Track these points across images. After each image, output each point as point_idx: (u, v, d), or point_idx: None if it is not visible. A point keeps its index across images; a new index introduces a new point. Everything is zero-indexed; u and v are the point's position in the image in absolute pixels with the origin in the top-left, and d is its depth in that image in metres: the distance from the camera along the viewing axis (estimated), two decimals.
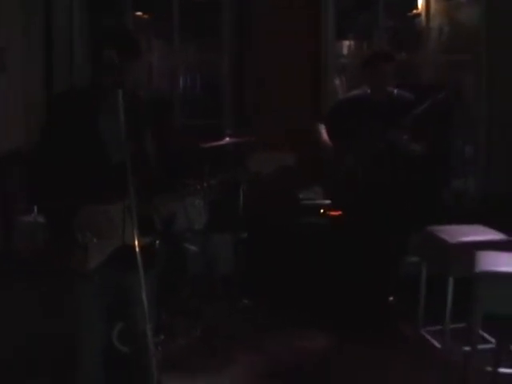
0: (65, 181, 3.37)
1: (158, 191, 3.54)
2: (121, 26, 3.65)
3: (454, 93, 5.68)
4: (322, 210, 6.10)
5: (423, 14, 7.28)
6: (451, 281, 4.65)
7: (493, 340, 4.87)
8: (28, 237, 5.26)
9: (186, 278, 5.75)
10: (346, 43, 8.09)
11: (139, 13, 7.65)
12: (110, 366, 3.60)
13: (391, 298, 5.82)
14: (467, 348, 4.68)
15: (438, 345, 4.83)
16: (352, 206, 5.77)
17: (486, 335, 4.91)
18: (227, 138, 5.87)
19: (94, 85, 3.51)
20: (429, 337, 5.00)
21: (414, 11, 7.60)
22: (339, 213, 5.91)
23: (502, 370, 4.53)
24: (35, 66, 6.51)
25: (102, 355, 3.54)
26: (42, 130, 3.53)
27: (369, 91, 5.75)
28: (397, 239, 5.61)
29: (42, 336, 4.43)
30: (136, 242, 3.03)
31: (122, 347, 3.67)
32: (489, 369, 4.52)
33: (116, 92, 3.16)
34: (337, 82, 7.47)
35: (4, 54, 5.78)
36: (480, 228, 5.05)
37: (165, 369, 4.46)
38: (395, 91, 5.69)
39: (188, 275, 5.76)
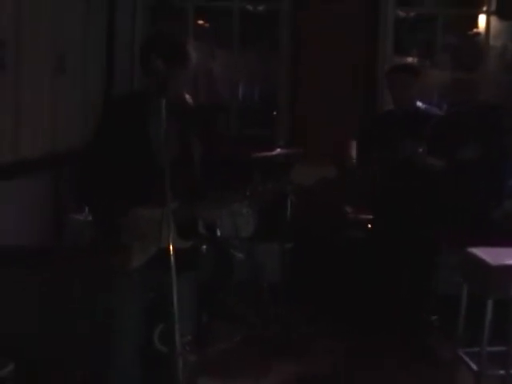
0: (114, 182, 3.45)
1: (202, 196, 3.58)
2: (168, 33, 3.64)
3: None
4: (368, 225, 6.12)
5: (484, 32, 7.26)
6: (490, 303, 4.61)
7: None
8: (79, 235, 5.37)
9: (231, 284, 5.82)
10: (410, 60, 8.09)
11: (201, 21, 7.76)
12: (148, 364, 3.67)
13: (434, 318, 5.82)
14: (502, 372, 4.68)
15: (474, 367, 4.80)
16: (374, 218, 5.84)
17: None
18: (278, 149, 5.95)
19: (140, 92, 3.60)
20: (466, 358, 4.97)
21: (475, 30, 7.58)
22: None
23: None
24: (96, 69, 6.64)
25: (139, 353, 3.60)
26: (95, 132, 3.60)
27: (393, 106, 5.79)
28: (422, 254, 5.63)
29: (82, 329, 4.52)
30: (171, 245, 3.09)
31: (162, 347, 3.73)
32: None
33: (160, 100, 3.21)
34: None
35: (65, 58, 5.89)
36: None
37: (203, 373, 4.58)
38: (422, 106, 5.69)
39: (234, 281, 5.82)
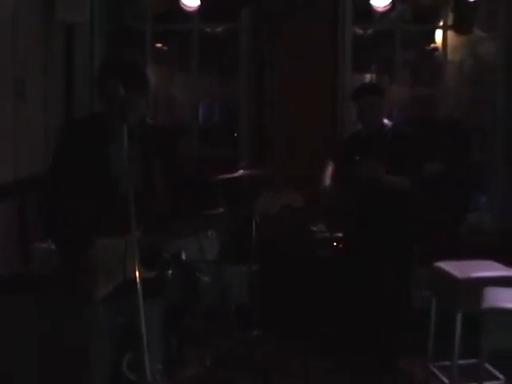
0: (73, 211, 3.37)
1: (165, 226, 3.48)
2: (126, 57, 3.54)
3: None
4: (335, 243, 6.11)
5: (441, 48, 7.31)
6: (459, 316, 4.62)
7: (501, 376, 4.85)
8: (45, 264, 5.29)
9: (197, 308, 5.76)
10: (368, 76, 8.13)
11: (159, 44, 7.74)
12: None
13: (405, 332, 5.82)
14: None
15: (446, 381, 4.80)
16: (351, 241, 5.83)
17: (495, 372, 4.88)
18: (241, 170, 5.93)
19: (101, 115, 3.51)
20: (438, 372, 4.97)
21: (432, 45, 7.64)
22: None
23: None
24: (56, 95, 6.59)
25: (108, 382, 3.53)
26: (52, 156, 3.53)
27: (361, 126, 5.79)
28: (395, 272, 5.62)
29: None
30: (137, 275, 3.02)
31: (131, 376, 3.67)
32: None
33: (121, 126, 3.14)
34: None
35: (24, 84, 5.84)
36: (491, 264, 5.02)
37: None
38: (389, 124, 5.70)
39: (200, 305, 5.77)
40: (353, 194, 5.57)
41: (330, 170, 5.80)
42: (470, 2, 6.58)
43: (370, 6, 6.94)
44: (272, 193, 3.47)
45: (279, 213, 3.48)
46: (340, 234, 6.09)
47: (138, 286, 3.01)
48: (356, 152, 5.59)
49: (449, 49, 7.29)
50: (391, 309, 5.57)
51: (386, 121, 5.69)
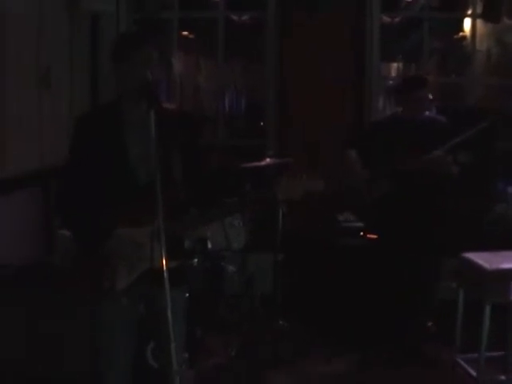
0: (92, 203, 3.33)
1: (184, 214, 3.43)
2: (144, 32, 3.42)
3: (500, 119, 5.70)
4: (361, 233, 6.09)
5: (469, 36, 7.24)
6: (487, 308, 4.57)
7: None
8: (67, 251, 5.30)
9: (223, 297, 5.76)
10: (395, 65, 8.08)
11: (185, 32, 7.72)
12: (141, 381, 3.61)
13: (430, 324, 5.78)
14: (503, 377, 4.65)
15: (473, 373, 4.76)
16: (386, 230, 5.77)
17: None
18: (267, 159, 5.90)
19: (120, 103, 3.44)
20: (465, 364, 4.93)
21: (461, 34, 7.57)
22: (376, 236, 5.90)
23: None
24: (81, 83, 6.58)
25: (130, 371, 3.52)
26: (69, 149, 3.46)
27: (400, 113, 5.73)
28: (430, 263, 5.58)
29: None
30: (164, 264, 2.97)
31: (155, 364, 3.67)
32: None
33: (148, 113, 3.08)
34: (380, 104, 7.43)
35: (49, 72, 5.83)
36: None
37: None
38: (427, 113, 5.67)
39: (225, 294, 5.77)
40: (391, 184, 5.54)
41: (353, 159, 5.73)
42: None
43: None
44: (292, 177, 3.42)
45: (304, 199, 3.43)
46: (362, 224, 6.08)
47: (165, 275, 2.96)
48: (393, 140, 5.55)
49: (477, 37, 7.22)
50: (419, 299, 5.56)
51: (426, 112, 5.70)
